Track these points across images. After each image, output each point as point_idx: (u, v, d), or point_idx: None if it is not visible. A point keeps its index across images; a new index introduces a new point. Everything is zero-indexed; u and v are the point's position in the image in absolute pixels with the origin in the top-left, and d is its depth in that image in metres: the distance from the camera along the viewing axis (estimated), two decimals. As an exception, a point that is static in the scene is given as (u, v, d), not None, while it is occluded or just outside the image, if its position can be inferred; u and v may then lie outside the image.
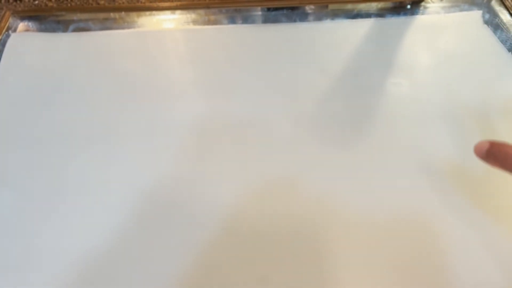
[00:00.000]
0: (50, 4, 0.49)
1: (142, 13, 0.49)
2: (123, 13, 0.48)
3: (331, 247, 0.32)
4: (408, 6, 0.52)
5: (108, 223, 0.32)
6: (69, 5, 0.48)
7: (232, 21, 0.50)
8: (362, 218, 0.33)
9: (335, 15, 0.50)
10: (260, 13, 0.51)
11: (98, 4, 0.49)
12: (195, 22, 0.49)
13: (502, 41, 0.48)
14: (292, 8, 0.51)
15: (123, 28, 0.47)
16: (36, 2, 0.48)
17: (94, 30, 0.47)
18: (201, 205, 0.34)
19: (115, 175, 0.35)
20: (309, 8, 0.51)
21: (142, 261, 0.31)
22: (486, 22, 0.50)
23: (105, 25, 0.47)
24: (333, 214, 0.33)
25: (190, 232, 0.32)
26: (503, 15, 0.50)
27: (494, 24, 0.50)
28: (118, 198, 0.34)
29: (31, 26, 0.47)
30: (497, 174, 0.28)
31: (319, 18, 0.50)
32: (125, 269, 0.30)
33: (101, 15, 0.48)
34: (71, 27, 0.47)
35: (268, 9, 0.51)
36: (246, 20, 0.50)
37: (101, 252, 0.31)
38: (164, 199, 0.34)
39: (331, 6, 0.51)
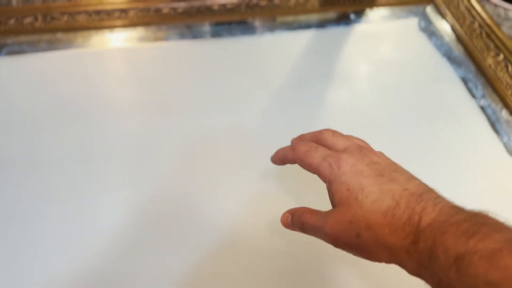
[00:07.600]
0: (-19, 28, 0.47)
1: (79, 33, 0.47)
2: (59, 34, 0.47)
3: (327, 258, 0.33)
4: (352, 16, 0.53)
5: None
6: (2, 29, 0.46)
7: (181, 36, 0.49)
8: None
9: (275, 27, 0.51)
10: (208, 28, 0.51)
11: (33, 27, 0.47)
12: (142, 39, 0.48)
13: (436, 47, 0.49)
14: (237, 22, 0.51)
15: (60, 49, 0.46)
16: (-33, 26, 0.46)
17: (29, 52, 0.45)
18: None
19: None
20: (252, 22, 0.52)
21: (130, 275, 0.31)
22: (422, 29, 0.52)
23: (41, 47, 0.46)
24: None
25: (170, 245, 0.33)
26: (438, 22, 0.52)
27: (430, 31, 0.52)
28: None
29: (-39, 52, 0.45)
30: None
31: (261, 31, 0.50)
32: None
33: (37, 37, 0.47)
34: (4, 50, 0.45)
35: (212, 24, 0.51)
36: (194, 35, 0.50)
37: (91, 263, 0.32)
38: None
39: (279, 19, 0.52)
